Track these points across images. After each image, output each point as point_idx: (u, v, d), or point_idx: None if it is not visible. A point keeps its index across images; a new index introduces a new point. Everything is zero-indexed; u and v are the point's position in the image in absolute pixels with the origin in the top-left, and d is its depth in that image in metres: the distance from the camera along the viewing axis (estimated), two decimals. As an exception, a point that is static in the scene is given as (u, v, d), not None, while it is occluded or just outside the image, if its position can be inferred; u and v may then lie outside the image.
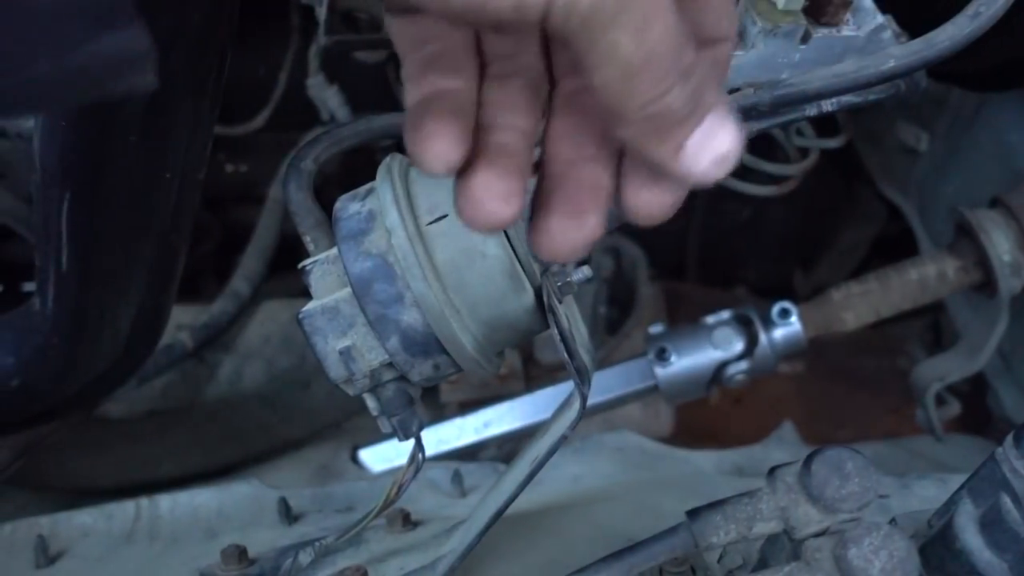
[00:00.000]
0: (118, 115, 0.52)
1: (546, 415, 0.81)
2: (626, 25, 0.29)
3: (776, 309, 0.90)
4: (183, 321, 0.98)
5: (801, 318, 0.90)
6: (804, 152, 0.93)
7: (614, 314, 1.27)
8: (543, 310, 0.52)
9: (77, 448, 0.91)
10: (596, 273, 1.17)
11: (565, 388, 0.93)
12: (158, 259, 0.65)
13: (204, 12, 0.49)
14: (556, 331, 0.50)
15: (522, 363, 1.11)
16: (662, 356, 0.87)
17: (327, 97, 1.08)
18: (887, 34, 0.66)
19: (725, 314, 0.90)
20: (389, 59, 1.14)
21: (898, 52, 0.61)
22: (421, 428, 0.56)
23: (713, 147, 0.33)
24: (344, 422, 1.02)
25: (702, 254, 1.46)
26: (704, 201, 1.37)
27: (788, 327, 0.89)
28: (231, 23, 0.53)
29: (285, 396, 1.00)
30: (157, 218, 0.61)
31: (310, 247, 0.56)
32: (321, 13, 0.94)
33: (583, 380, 0.50)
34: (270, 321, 1.03)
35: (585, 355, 0.53)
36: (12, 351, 0.68)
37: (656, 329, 0.90)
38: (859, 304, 0.92)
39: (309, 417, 1.00)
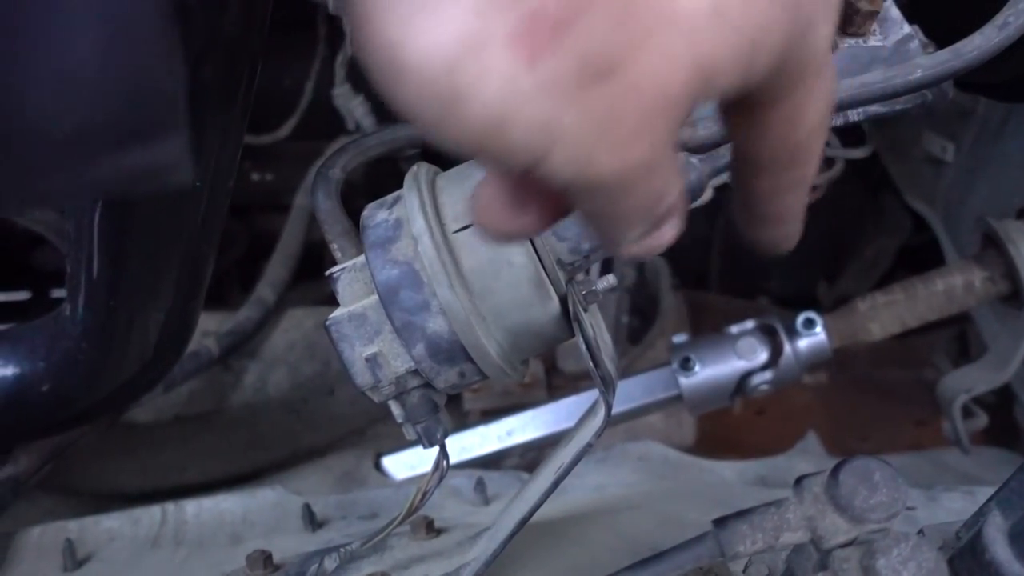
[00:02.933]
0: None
1: (569, 424, 0.81)
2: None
3: (801, 319, 0.89)
4: (208, 328, 0.98)
5: (826, 328, 0.90)
6: (829, 162, 0.92)
7: (636, 323, 1.27)
8: (568, 319, 0.52)
9: (104, 453, 0.92)
10: (619, 282, 1.17)
11: (588, 397, 0.93)
12: (187, 266, 0.65)
13: (236, 23, 0.50)
14: (581, 339, 0.50)
15: (545, 372, 1.11)
16: (686, 366, 0.87)
17: (353, 107, 1.09)
18: (914, 44, 0.65)
19: (749, 324, 0.89)
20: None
21: (925, 62, 0.61)
22: (446, 435, 0.56)
23: (654, 244, 0.33)
24: (368, 429, 1.03)
25: (725, 264, 1.46)
26: (728, 211, 1.37)
27: (813, 337, 0.88)
28: (262, 34, 0.53)
29: (309, 403, 1.01)
30: (187, 226, 0.61)
31: (337, 255, 0.57)
32: (349, 23, 0.94)
33: (608, 389, 0.50)
34: (295, 328, 1.03)
35: (610, 364, 0.54)
36: (42, 356, 0.69)
37: (680, 339, 0.90)
38: (884, 314, 0.92)
39: (333, 424, 1.01)
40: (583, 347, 0.49)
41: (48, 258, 1.15)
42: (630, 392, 0.90)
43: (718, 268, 1.47)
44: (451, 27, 0.23)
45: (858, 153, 0.93)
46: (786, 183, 0.33)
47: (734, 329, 0.89)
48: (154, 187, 0.28)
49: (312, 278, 1.15)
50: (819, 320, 0.89)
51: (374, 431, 1.02)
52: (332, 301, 0.55)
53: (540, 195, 0.31)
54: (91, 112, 0.22)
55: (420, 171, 0.55)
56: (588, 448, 0.49)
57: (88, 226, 0.60)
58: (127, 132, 0.22)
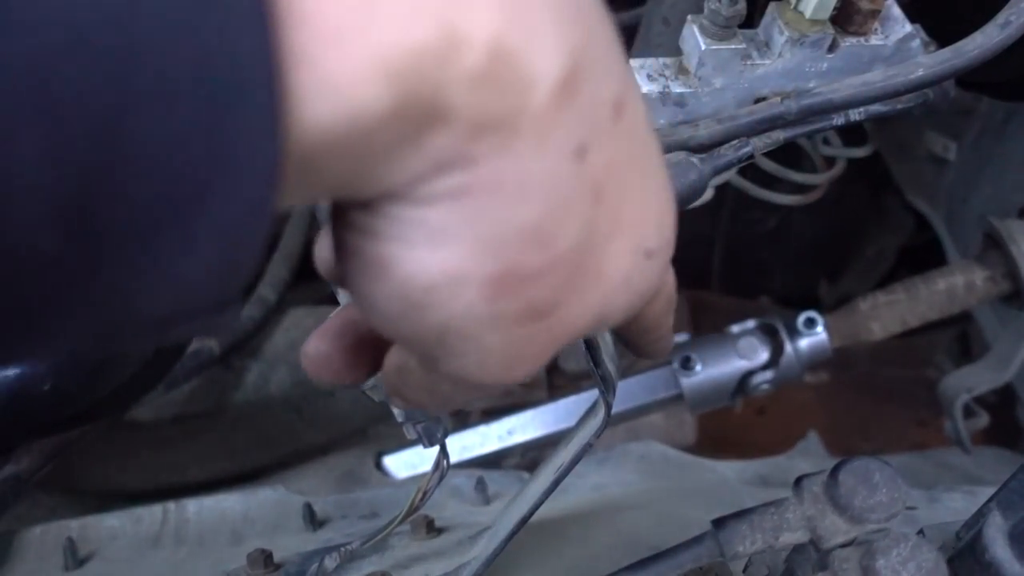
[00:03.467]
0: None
1: (570, 423, 0.81)
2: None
3: (802, 319, 0.89)
4: (210, 327, 0.98)
5: (827, 328, 0.90)
6: (831, 161, 0.92)
7: (638, 323, 1.27)
8: (568, 318, 0.52)
9: (106, 452, 0.92)
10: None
11: (589, 396, 0.93)
12: (188, 265, 0.65)
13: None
14: (582, 340, 0.50)
15: (546, 371, 1.11)
16: (687, 365, 0.87)
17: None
18: (916, 43, 0.65)
19: (750, 323, 0.89)
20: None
21: (927, 61, 0.61)
22: (446, 435, 0.56)
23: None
24: (369, 428, 1.03)
25: (726, 263, 1.46)
26: (729, 210, 1.37)
27: (814, 337, 0.88)
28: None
29: (311, 402, 1.01)
30: (187, 225, 0.61)
31: (338, 255, 0.57)
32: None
33: (608, 389, 0.50)
34: (296, 327, 1.03)
35: (610, 364, 0.54)
36: (44, 355, 0.70)
37: (681, 338, 0.90)
38: (886, 314, 0.92)
39: (334, 423, 1.01)
40: (583, 347, 0.49)
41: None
42: (631, 391, 0.90)
43: (719, 267, 1.47)
44: (445, 264, 0.27)
45: (859, 152, 0.93)
46: (652, 338, 0.43)
47: (735, 329, 0.89)
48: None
49: (313, 277, 1.14)
50: (820, 319, 0.89)
51: (375, 430, 1.02)
52: (333, 301, 0.55)
53: (374, 356, 0.36)
54: (189, 314, 0.24)
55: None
56: (588, 448, 0.49)
57: (89, 225, 0.60)
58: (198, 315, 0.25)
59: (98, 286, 0.22)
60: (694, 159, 0.59)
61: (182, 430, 0.96)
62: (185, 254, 0.22)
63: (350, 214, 0.27)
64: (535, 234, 0.28)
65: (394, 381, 0.35)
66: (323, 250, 0.39)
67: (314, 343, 0.38)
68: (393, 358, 0.35)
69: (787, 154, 0.80)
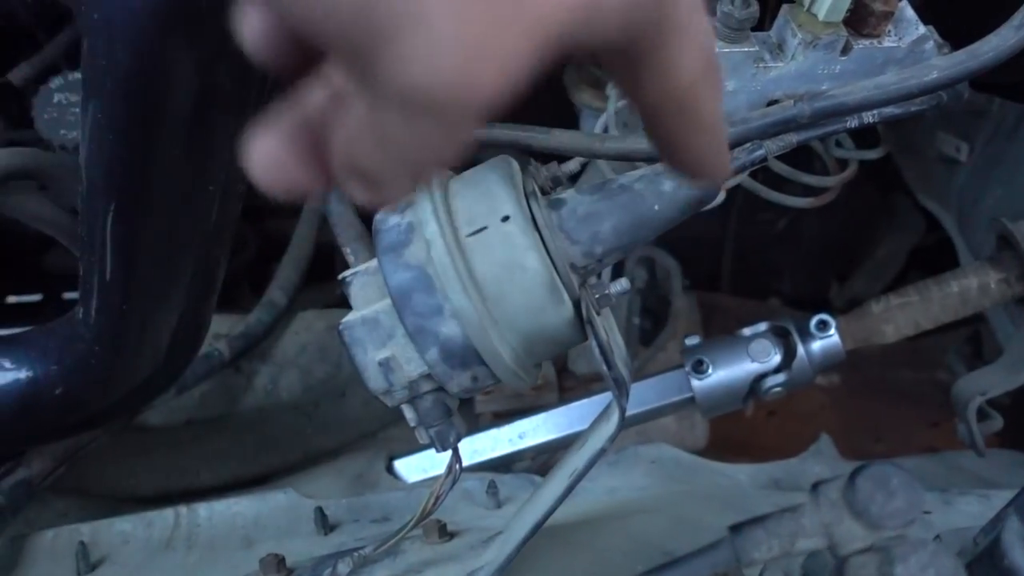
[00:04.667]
0: (164, 129, 0.53)
1: (581, 427, 0.81)
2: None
3: (814, 321, 0.88)
4: (219, 331, 0.98)
5: (840, 330, 0.89)
6: (843, 164, 0.92)
7: (647, 325, 1.26)
8: (581, 322, 0.52)
9: (117, 456, 0.92)
10: (630, 284, 1.16)
11: (600, 400, 0.93)
12: (199, 269, 0.65)
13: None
14: (595, 343, 0.50)
15: (556, 374, 1.11)
16: (699, 368, 0.86)
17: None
18: (929, 45, 0.65)
19: (762, 326, 0.89)
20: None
21: (941, 63, 0.61)
22: (459, 439, 0.56)
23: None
24: (379, 432, 1.03)
25: (736, 265, 1.45)
26: (739, 211, 1.37)
27: (827, 339, 0.88)
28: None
29: (321, 406, 1.01)
30: (199, 229, 0.61)
31: (350, 259, 0.57)
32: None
33: (621, 392, 0.50)
34: (305, 331, 1.03)
35: (623, 367, 0.53)
36: (56, 359, 0.70)
37: (692, 341, 0.90)
38: (899, 316, 0.91)
39: (345, 427, 1.01)
40: (596, 351, 0.49)
41: (59, 261, 1.15)
42: (642, 395, 0.89)
43: (729, 269, 1.46)
44: None
45: (872, 155, 0.92)
46: (685, 128, 0.34)
47: (747, 331, 0.88)
48: None
49: (321, 280, 1.15)
50: (833, 322, 0.88)
51: (385, 434, 1.02)
52: (343, 304, 0.55)
53: (322, 155, 0.30)
54: None
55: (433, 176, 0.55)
56: (602, 452, 0.49)
57: (101, 229, 0.60)
58: None
59: None
60: (707, 162, 0.59)
61: (193, 434, 0.96)
62: None
63: None
64: None
65: (340, 137, 0.29)
66: None
67: (263, 143, 0.32)
68: (331, 87, 0.30)
69: (798, 155, 0.79)
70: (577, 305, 0.51)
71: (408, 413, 0.55)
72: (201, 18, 0.47)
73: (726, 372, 0.86)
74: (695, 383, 0.87)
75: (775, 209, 1.00)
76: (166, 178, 0.56)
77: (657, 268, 1.25)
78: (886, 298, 0.93)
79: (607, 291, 0.53)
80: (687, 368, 0.87)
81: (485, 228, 0.51)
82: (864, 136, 0.96)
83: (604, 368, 0.49)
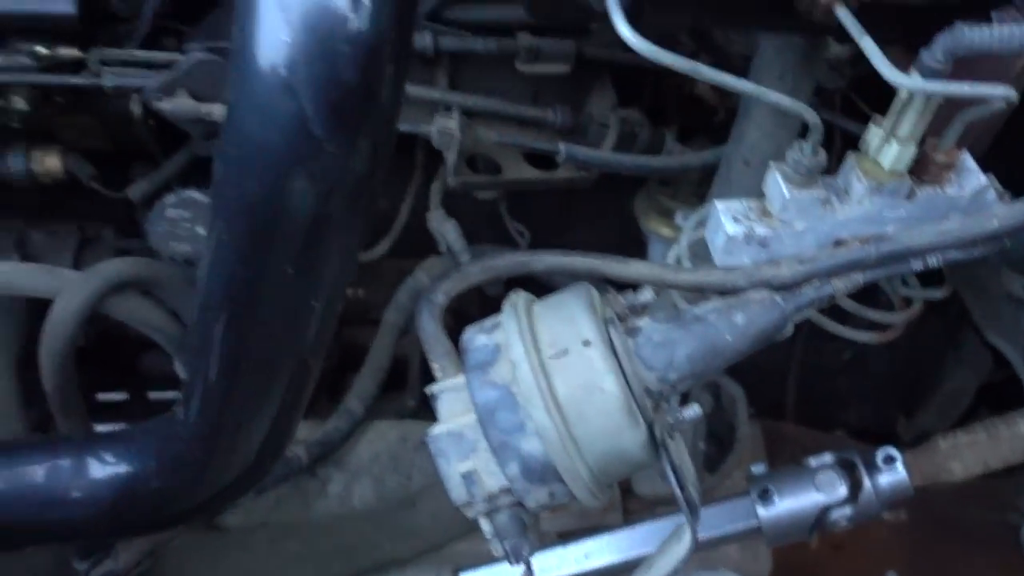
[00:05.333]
0: (279, 249, 0.59)
1: (646, 548, 0.82)
2: None
3: (881, 455, 0.89)
4: (298, 436, 1.02)
5: (907, 465, 0.89)
6: (908, 302, 0.94)
7: (712, 450, 1.27)
8: (655, 445, 0.54)
9: (195, 555, 0.95)
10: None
11: (666, 522, 0.94)
12: (295, 378, 0.70)
13: (367, 159, 0.56)
14: (668, 466, 0.52)
15: (621, 495, 1.12)
16: (765, 497, 0.87)
17: (446, 230, 1.15)
18: (991, 194, 0.68)
19: (828, 457, 0.89)
20: (501, 196, 1.22)
21: (1002, 212, 0.63)
22: (532, 553, 0.58)
23: None
24: (446, 546, 1.04)
25: (801, 394, 1.46)
26: (804, 341, 1.38)
27: (893, 474, 0.88)
28: (385, 168, 0.59)
29: (392, 515, 1.03)
30: (301, 341, 0.66)
31: (438, 374, 0.60)
32: (450, 158, 1.02)
33: (694, 515, 0.52)
34: (379, 440, 1.07)
35: (694, 491, 0.56)
36: (154, 456, 0.74)
37: (758, 469, 0.91)
38: (967, 454, 0.91)
39: (413, 538, 1.02)
40: (670, 474, 0.51)
41: (155, 363, 1.22)
42: (708, 521, 0.90)
43: (794, 398, 1.47)
44: None
45: (937, 294, 0.94)
46: None
47: (813, 462, 0.89)
48: None
49: (394, 390, 1.18)
50: (899, 456, 0.89)
51: (452, 548, 1.04)
52: (416, 415, 0.58)
53: None
54: None
55: (518, 299, 0.60)
56: (674, 575, 0.50)
57: (211, 337, 0.65)
58: None
59: None
60: (777, 297, 0.62)
61: (267, 537, 0.99)
62: None
63: None
64: None
65: None
66: None
67: None
68: None
69: (864, 290, 0.82)
70: (651, 428, 0.54)
71: (485, 526, 0.58)
72: (323, 158, 0.53)
73: (792, 502, 0.87)
74: (761, 512, 0.88)
75: (841, 339, 1.01)
76: (276, 293, 0.62)
77: (722, 394, 1.26)
78: (953, 434, 0.93)
79: (680, 416, 0.56)
80: (753, 496, 0.88)
81: (567, 351, 0.54)
82: (930, 274, 0.99)
83: (677, 490, 0.51)
